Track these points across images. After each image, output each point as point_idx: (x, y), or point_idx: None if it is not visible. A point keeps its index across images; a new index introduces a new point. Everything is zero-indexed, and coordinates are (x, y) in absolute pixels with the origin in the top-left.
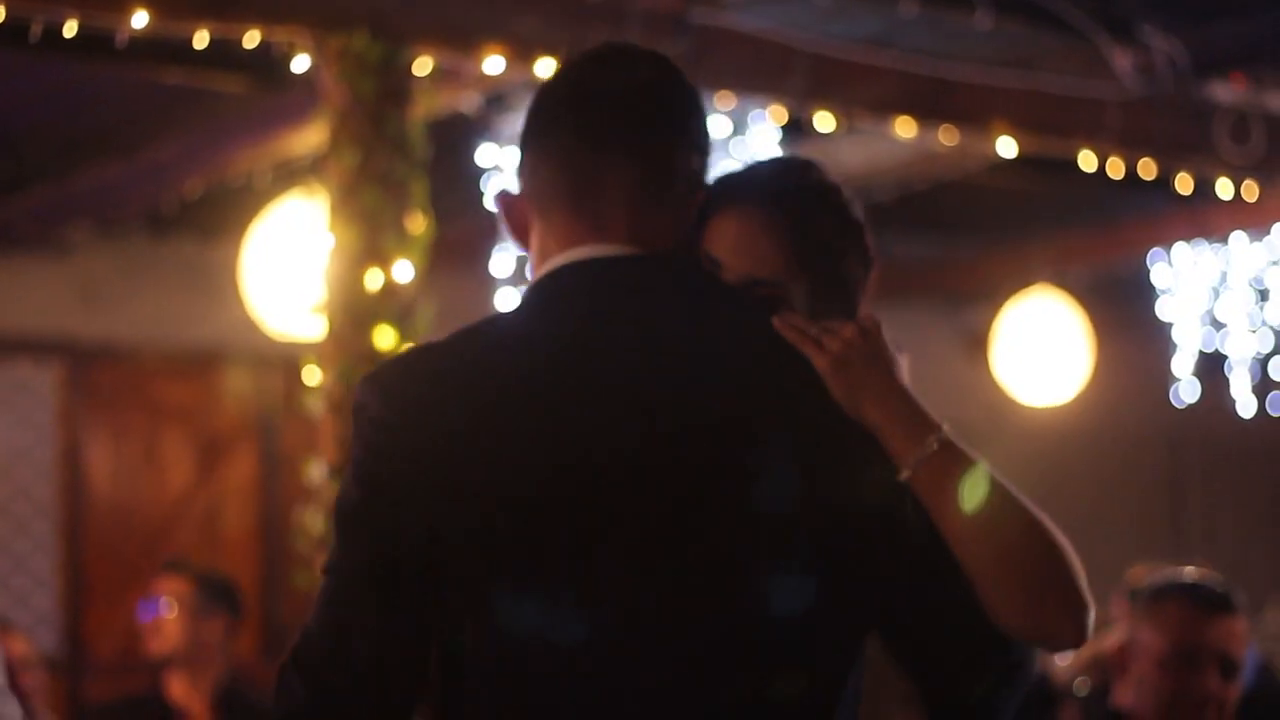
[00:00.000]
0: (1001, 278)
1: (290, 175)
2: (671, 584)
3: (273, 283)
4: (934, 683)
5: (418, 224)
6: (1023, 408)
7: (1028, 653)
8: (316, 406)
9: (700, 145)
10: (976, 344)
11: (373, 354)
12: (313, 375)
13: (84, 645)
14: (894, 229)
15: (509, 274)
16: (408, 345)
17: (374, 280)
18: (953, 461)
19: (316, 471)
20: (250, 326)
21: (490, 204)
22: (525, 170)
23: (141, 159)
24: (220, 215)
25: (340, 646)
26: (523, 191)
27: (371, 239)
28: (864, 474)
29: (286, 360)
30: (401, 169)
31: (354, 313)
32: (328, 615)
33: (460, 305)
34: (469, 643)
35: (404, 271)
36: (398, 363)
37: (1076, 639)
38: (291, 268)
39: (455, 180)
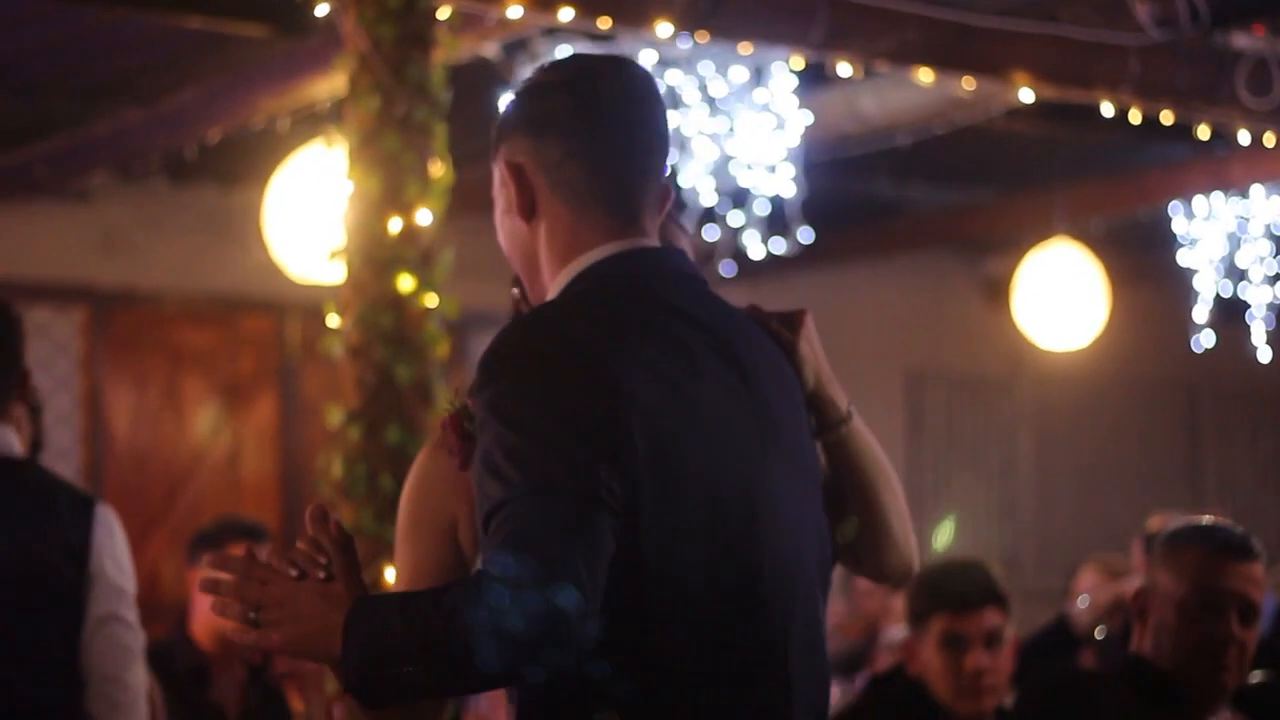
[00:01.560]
0: (1021, 226)
1: (311, 121)
2: (784, 499)
3: (293, 228)
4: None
5: (438, 169)
6: (1042, 355)
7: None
8: (337, 351)
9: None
10: (996, 292)
11: (393, 299)
12: (333, 320)
13: None
14: (913, 177)
15: None
16: (427, 291)
17: (394, 225)
18: (860, 432)
19: (336, 416)
20: (271, 272)
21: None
22: (547, 159)
23: (162, 105)
24: (241, 161)
25: (582, 543)
26: (539, 173)
27: (392, 184)
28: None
29: (307, 306)
30: (422, 114)
31: (374, 258)
32: (555, 516)
33: (480, 251)
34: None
35: (424, 217)
36: (566, 325)
37: (912, 567)
38: (312, 213)
39: (475, 126)
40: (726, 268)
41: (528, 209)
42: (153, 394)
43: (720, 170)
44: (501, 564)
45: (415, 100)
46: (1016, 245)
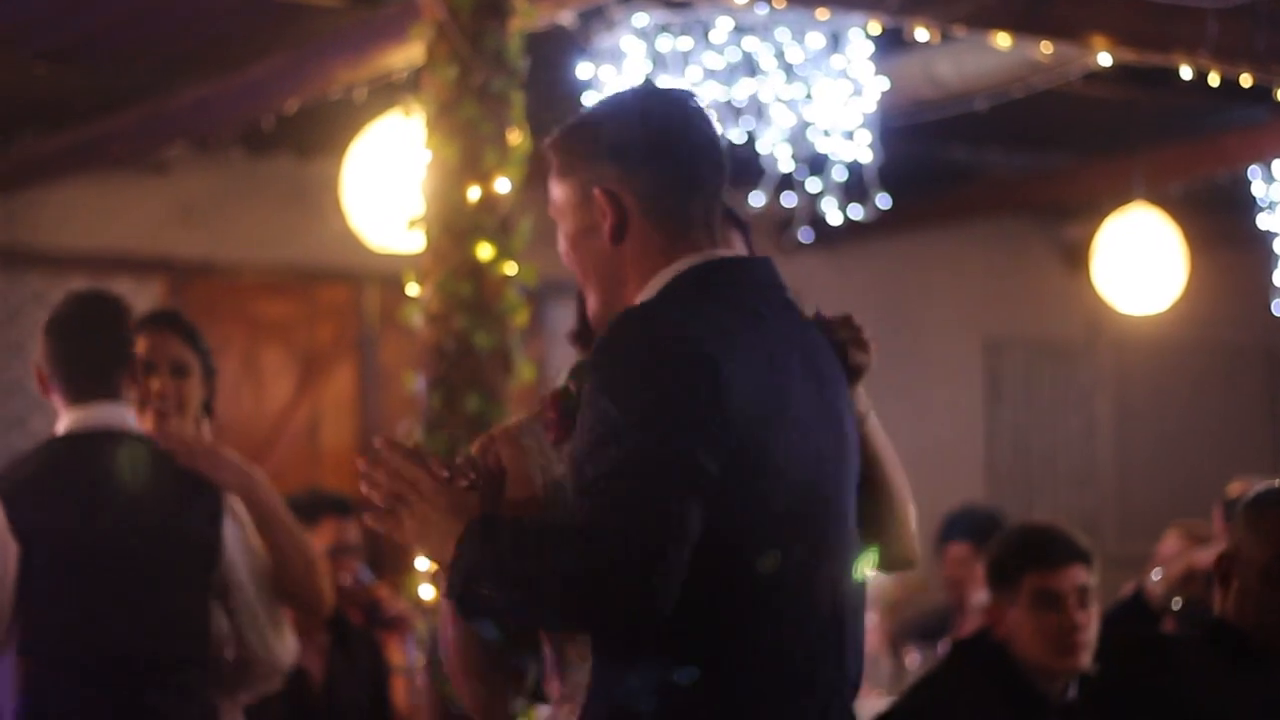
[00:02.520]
0: (1099, 190)
1: (388, 91)
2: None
3: (371, 198)
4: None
5: (515, 138)
6: (1121, 320)
7: None
8: (416, 320)
9: None
10: (1074, 257)
11: (472, 267)
12: (412, 289)
13: None
14: (991, 142)
15: None
16: (506, 259)
17: (473, 194)
18: (876, 428)
19: (415, 385)
20: (349, 242)
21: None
22: (640, 187)
23: (239, 77)
24: (318, 132)
25: (671, 515)
26: (629, 199)
27: (470, 153)
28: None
29: (384, 275)
30: (499, 83)
31: (453, 227)
32: (658, 489)
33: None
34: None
35: (502, 185)
36: (674, 319)
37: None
38: (389, 183)
39: (552, 95)
40: (804, 234)
41: (618, 232)
42: (231, 365)
43: (797, 137)
44: (598, 532)
45: (493, 69)
46: (1095, 210)
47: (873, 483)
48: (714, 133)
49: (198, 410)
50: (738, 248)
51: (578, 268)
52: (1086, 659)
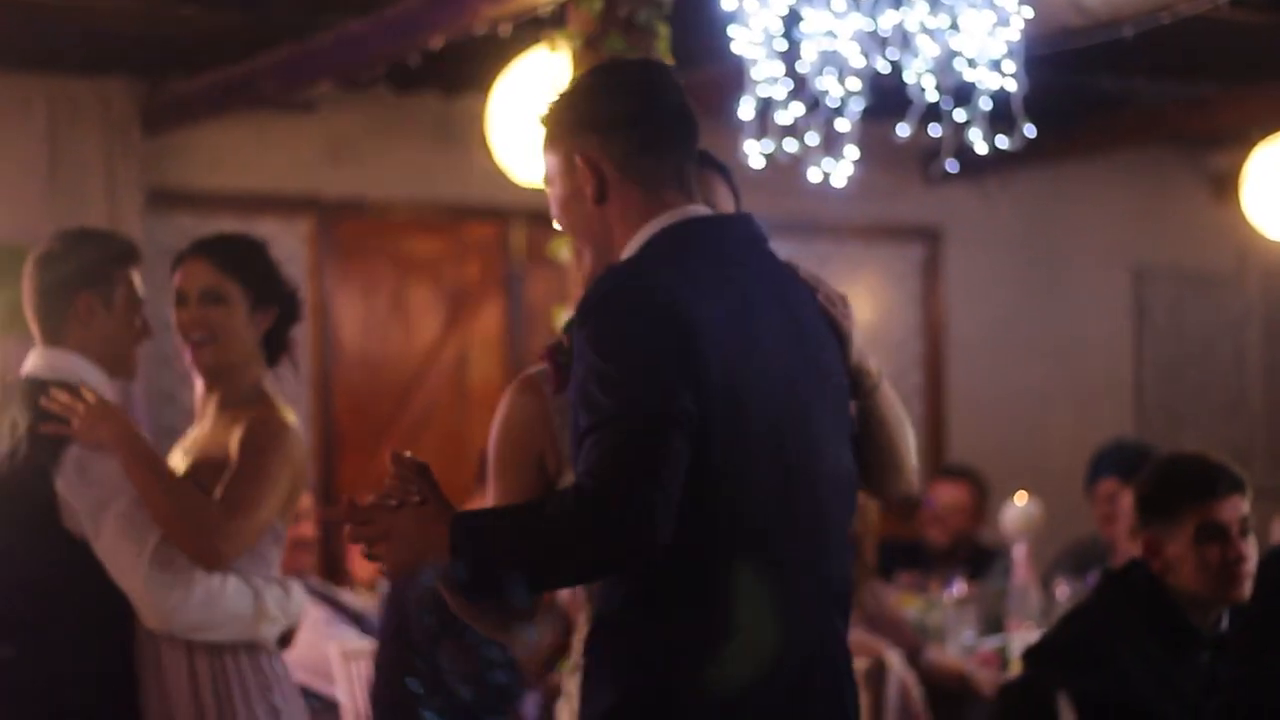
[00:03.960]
0: (1248, 119)
1: (533, 25)
2: (812, 439)
3: (517, 134)
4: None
5: None
6: (1270, 249)
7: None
8: (564, 255)
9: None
10: (1222, 186)
11: None
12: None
13: (336, 498)
14: (1137, 70)
15: (754, 121)
16: None
17: None
18: (886, 392)
19: (564, 320)
20: (495, 178)
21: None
22: (618, 151)
23: (385, 13)
24: (464, 68)
25: (663, 456)
26: (609, 164)
27: None
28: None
29: (531, 211)
30: (645, 15)
31: None
32: (646, 435)
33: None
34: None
35: None
36: (683, 289)
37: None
38: (536, 119)
39: (699, 26)
40: (950, 165)
41: (599, 194)
42: (380, 303)
43: (943, 67)
44: (595, 479)
45: (638, 1)
46: (1243, 138)
47: (878, 436)
48: (681, 95)
49: (250, 343)
50: (720, 194)
51: (570, 231)
52: (1248, 589)
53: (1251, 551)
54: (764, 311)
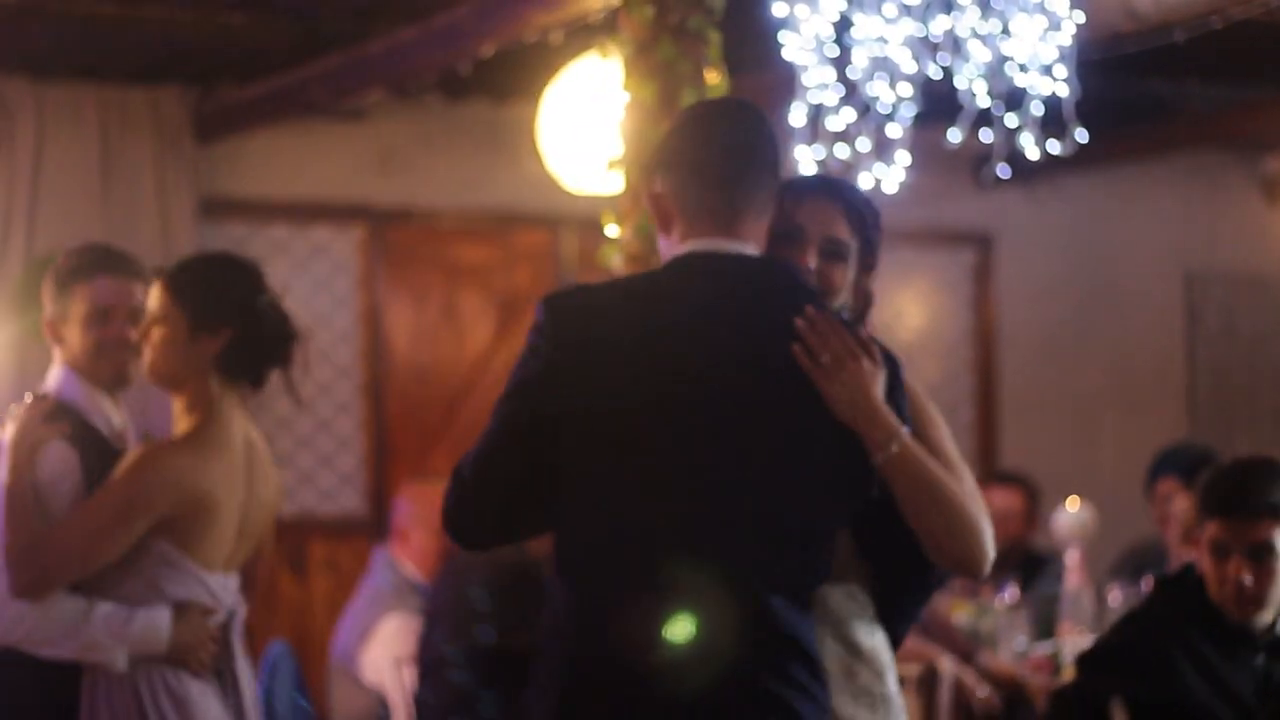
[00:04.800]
0: None
1: (584, 33)
2: (709, 475)
3: (567, 141)
4: (884, 586)
5: (713, 77)
6: None
7: (942, 576)
8: (615, 262)
9: (777, 170)
10: (1275, 189)
11: None
12: (612, 230)
13: (387, 505)
14: (1189, 75)
15: (805, 127)
16: None
17: None
18: (906, 461)
19: None
20: (547, 185)
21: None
22: (673, 187)
23: (436, 22)
24: (515, 76)
25: (492, 465)
26: (669, 196)
27: (667, 93)
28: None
29: (583, 218)
30: (696, 21)
31: None
32: (486, 446)
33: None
34: (567, 480)
35: None
36: (568, 294)
37: (978, 572)
38: (585, 126)
39: (749, 32)
40: (1002, 170)
41: (664, 226)
42: (431, 310)
43: (994, 72)
44: (463, 466)
45: (689, 7)
46: None
47: (901, 504)
48: (745, 133)
49: (185, 362)
50: (826, 221)
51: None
52: (1254, 612)
53: (1266, 577)
54: (707, 339)
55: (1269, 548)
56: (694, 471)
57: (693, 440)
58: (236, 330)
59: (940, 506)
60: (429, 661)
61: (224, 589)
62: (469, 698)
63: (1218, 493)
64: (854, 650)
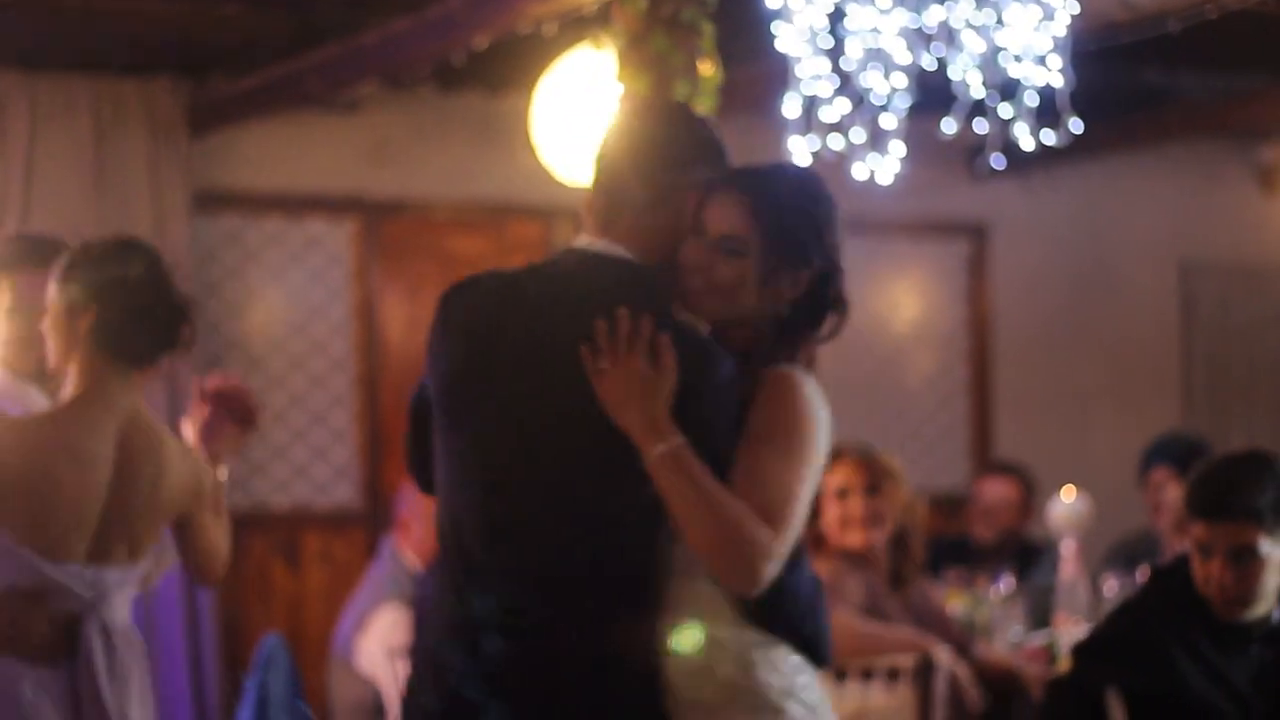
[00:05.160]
0: None
1: (578, 24)
2: (520, 439)
3: (561, 133)
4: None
5: (707, 69)
6: None
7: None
8: None
9: (679, 169)
10: (1270, 179)
11: None
12: None
13: (382, 497)
14: (1184, 64)
15: (799, 118)
16: None
17: None
18: (669, 470)
19: None
20: (541, 177)
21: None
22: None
23: (430, 13)
24: (508, 67)
25: (406, 449)
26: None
27: (661, 85)
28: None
29: (575, 210)
30: (689, 13)
31: None
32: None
33: (751, 150)
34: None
35: None
36: (460, 282)
37: (747, 589)
38: (580, 117)
39: (743, 24)
40: (996, 160)
41: None
42: (425, 302)
43: (989, 63)
44: None
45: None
46: None
47: (674, 511)
48: (627, 137)
49: (53, 337)
50: (716, 210)
51: None
52: (1238, 612)
53: (1247, 577)
54: (532, 333)
55: (1250, 550)
56: (491, 466)
57: (494, 431)
58: (101, 307)
59: (703, 520)
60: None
61: (75, 577)
62: None
63: (1200, 495)
64: (714, 643)
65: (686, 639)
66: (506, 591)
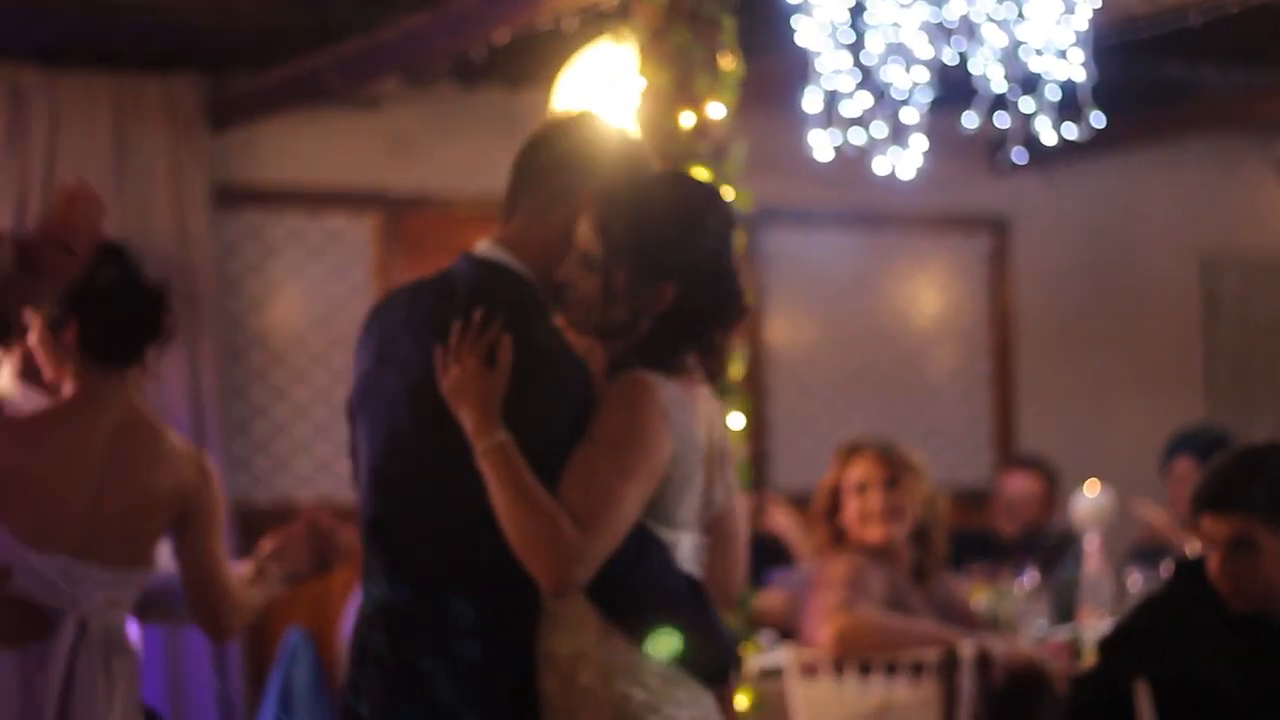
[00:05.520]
0: None
1: (598, 19)
2: (396, 428)
3: None
4: None
5: (728, 63)
6: None
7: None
8: None
9: (567, 177)
10: None
11: None
12: None
13: None
14: (1205, 58)
15: (819, 113)
16: (720, 184)
17: (686, 120)
18: (490, 464)
19: None
20: None
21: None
22: None
23: (449, 8)
24: (529, 62)
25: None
26: None
27: (682, 79)
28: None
29: None
30: (710, 7)
31: (667, 153)
32: None
33: (771, 143)
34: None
35: (716, 110)
36: (390, 291)
37: (553, 588)
38: (602, 112)
39: (764, 18)
40: (1018, 155)
41: None
42: None
43: (1010, 57)
44: None
45: None
46: None
47: (495, 504)
48: (530, 146)
49: (53, 354)
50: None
51: None
52: (1247, 606)
53: (1246, 571)
54: (412, 335)
55: (1248, 543)
56: (373, 466)
57: (378, 431)
58: (80, 318)
59: (516, 516)
60: None
61: (54, 569)
62: None
63: (1201, 486)
64: (577, 652)
65: (663, 644)
66: (385, 586)
